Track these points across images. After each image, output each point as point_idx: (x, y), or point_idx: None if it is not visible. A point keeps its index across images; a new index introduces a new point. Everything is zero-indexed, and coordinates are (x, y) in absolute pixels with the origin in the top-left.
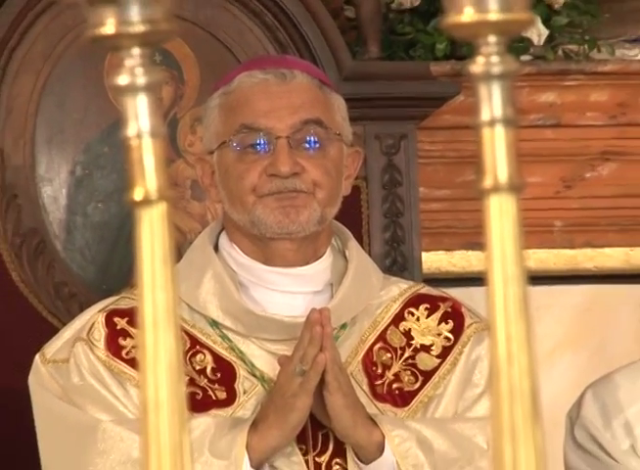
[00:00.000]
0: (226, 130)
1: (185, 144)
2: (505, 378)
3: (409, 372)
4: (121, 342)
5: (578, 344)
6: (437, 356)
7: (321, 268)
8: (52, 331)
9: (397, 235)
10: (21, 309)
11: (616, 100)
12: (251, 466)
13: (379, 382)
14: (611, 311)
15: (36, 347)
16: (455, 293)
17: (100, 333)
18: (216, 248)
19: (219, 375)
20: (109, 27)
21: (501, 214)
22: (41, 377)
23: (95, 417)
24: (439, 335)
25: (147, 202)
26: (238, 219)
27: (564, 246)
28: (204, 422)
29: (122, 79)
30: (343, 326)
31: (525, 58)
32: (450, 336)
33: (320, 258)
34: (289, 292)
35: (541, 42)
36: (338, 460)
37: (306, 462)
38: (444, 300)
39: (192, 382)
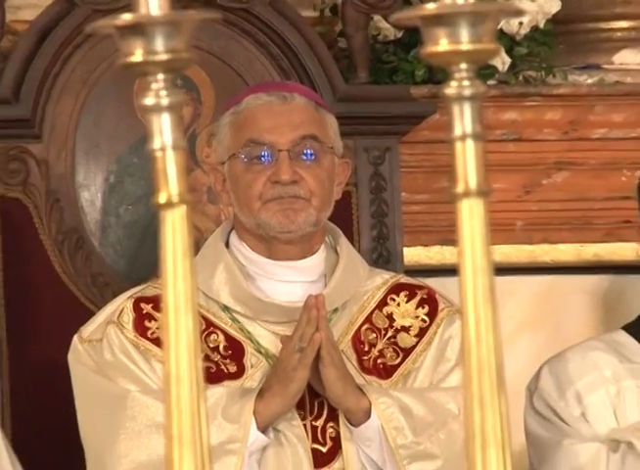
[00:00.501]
0: (235, 144)
1: (202, 156)
2: (475, 354)
3: (391, 349)
4: (147, 324)
5: (536, 326)
6: (415, 336)
7: (316, 262)
8: (88, 315)
9: (383, 233)
10: (62, 296)
11: (567, 118)
12: (258, 429)
13: (365, 357)
14: (564, 298)
15: (75, 328)
16: (431, 282)
17: (128, 317)
18: (227, 244)
19: (230, 352)
20: (137, 56)
21: (471, 215)
22: (79, 354)
23: (125, 388)
24: (417, 317)
25: (169, 204)
26: (245, 222)
27: (524, 242)
28: (217, 392)
29: (149, 100)
30: (335, 310)
31: (491, 82)
32: (426, 318)
33: (315, 253)
34: (289, 281)
35: (505, 69)
36: (331, 424)
37: (304, 426)
38: (421, 288)
39: (207, 358)
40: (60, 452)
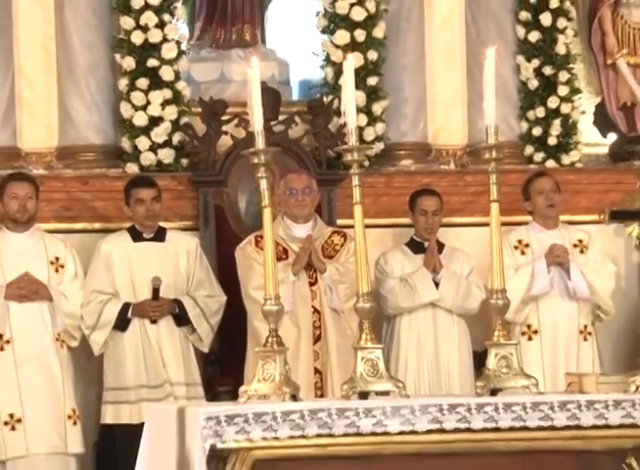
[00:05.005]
0: (285, 189)
1: (275, 192)
2: (358, 254)
3: (332, 251)
4: (259, 243)
5: (377, 245)
6: (340, 247)
7: (310, 223)
8: (240, 241)
9: (331, 215)
10: (234, 236)
11: (388, 181)
12: (292, 275)
13: (325, 253)
14: (387, 236)
15: (236, 244)
16: (347, 231)
17: (253, 242)
18: (282, 219)
19: (283, 251)
20: (257, 160)
21: (358, 210)
22: (237, 253)
23: (251, 263)
24: (340, 240)
25: (265, 207)
26: (287, 212)
27: (376, 217)
28: (280, 263)
29: (259, 174)
30: (316, 239)
31: (362, 170)
32: (343, 241)
33: (310, 221)
34: (301, 230)
35: (368, 165)
36: (315, 274)
37: (306, 274)
38: (342, 231)
39: (277, 254)
40: (235, 289)
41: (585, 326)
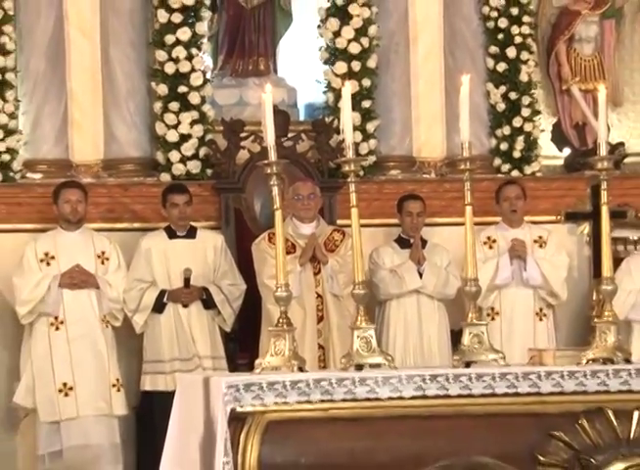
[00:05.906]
0: (293, 195)
1: (286, 197)
2: (354, 248)
3: (333, 245)
4: (272, 239)
5: (373, 241)
6: (340, 242)
7: (314, 223)
8: (255, 238)
9: (332, 217)
10: (250, 234)
11: (379, 188)
12: (299, 266)
13: (327, 248)
14: (380, 234)
15: (253, 240)
16: (345, 229)
17: (267, 237)
18: (291, 219)
19: (292, 246)
20: (270, 171)
21: (354, 213)
22: (253, 249)
23: (265, 256)
24: (339, 237)
25: (277, 209)
26: (295, 214)
27: (371, 218)
28: (289, 256)
29: (271, 182)
30: (319, 236)
31: (357, 178)
32: (342, 238)
33: (314, 221)
34: (307, 229)
35: (361, 175)
36: (319, 265)
37: (311, 265)
38: (341, 229)
39: (286, 248)
40: (252, 277)
41: (541, 309)
